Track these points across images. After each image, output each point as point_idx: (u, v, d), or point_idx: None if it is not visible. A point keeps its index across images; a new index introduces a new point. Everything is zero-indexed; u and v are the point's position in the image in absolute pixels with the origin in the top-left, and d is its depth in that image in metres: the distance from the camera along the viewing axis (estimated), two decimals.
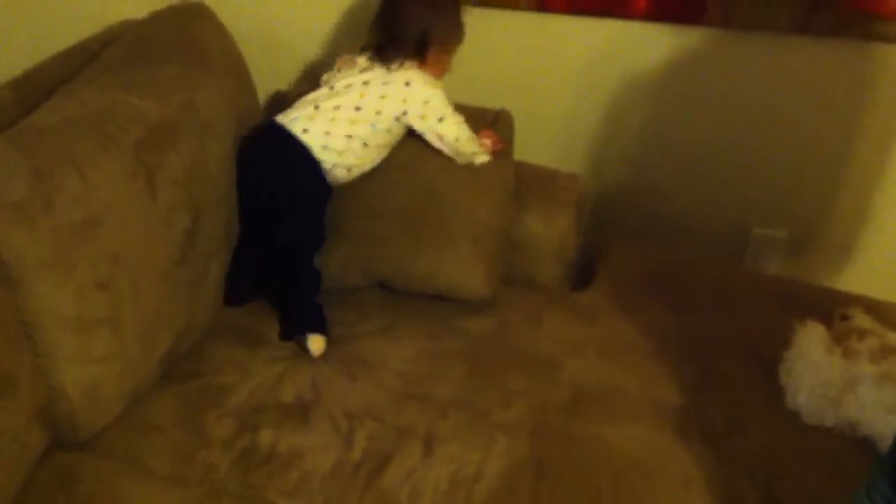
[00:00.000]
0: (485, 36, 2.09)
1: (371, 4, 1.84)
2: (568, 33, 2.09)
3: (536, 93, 2.15)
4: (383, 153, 1.78)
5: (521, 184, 1.90)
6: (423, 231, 1.79)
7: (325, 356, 1.65)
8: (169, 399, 1.51)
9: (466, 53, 2.08)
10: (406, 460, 1.43)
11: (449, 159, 1.79)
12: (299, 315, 1.71)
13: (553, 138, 2.19)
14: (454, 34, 1.79)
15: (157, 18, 1.83)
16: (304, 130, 1.70)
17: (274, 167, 1.73)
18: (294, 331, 1.69)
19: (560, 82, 2.15)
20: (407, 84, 1.73)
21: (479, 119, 1.87)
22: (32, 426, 1.32)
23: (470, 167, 1.80)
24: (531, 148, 2.06)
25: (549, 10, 2.05)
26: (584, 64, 2.12)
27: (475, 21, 2.00)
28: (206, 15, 1.85)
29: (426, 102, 1.73)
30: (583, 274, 1.96)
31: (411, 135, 1.78)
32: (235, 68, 1.85)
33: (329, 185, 1.76)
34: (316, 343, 1.66)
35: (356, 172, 1.76)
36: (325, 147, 1.70)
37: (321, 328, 1.69)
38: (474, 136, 1.79)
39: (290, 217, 1.73)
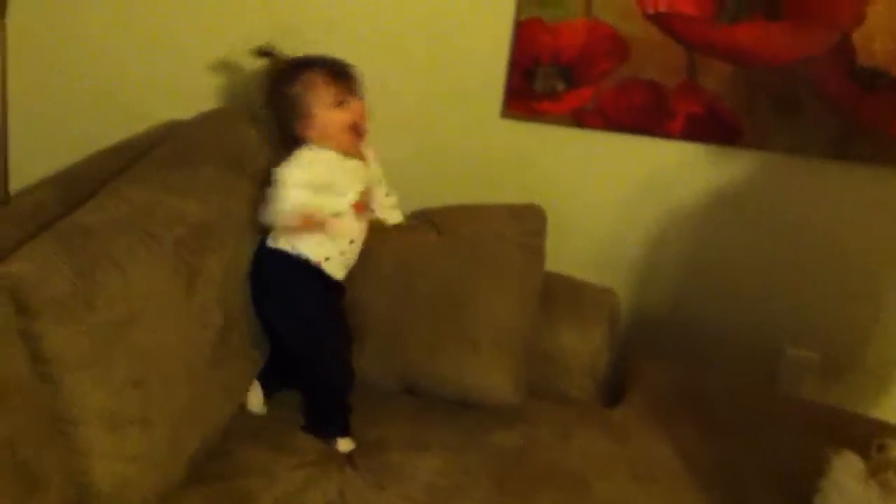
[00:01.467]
0: (520, 147, 2.13)
1: None
2: (604, 149, 2.11)
3: (573, 205, 2.17)
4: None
5: (554, 295, 1.91)
6: (444, 333, 1.80)
7: (352, 462, 1.65)
8: (195, 502, 1.49)
9: (500, 163, 2.13)
10: None
11: (471, 256, 1.82)
12: (321, 420, 1.70)
13: (588, 251, 2.19)
14: (303, 102, 1.74)
15: (201, 121, 1.89)
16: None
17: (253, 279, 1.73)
18: (317, 434, 1.68)
19: (596, 197, 2.17)
20: None
21: (504, 212, 1.91)
22: None
23: (494, 264, 1.82)
24: (567, 259, 2.07)
25: (585, 126, 2.08)
26: (620, 180, 2.15)
27: (511, 131, 2.05)
28: (247, 120, 1.91)
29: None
30: (614, 390, 1.94)
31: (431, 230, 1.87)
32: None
33: (329, 282, 1.76)
34: (343, 444, 1.66)
35: (342, 259, 1.76)
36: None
37: (344, 432, 1.68)
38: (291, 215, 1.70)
39: (287, 327, 1.74)
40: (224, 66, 2.16)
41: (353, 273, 1.81)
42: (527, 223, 1.92)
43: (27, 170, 1.96)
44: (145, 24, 2.17)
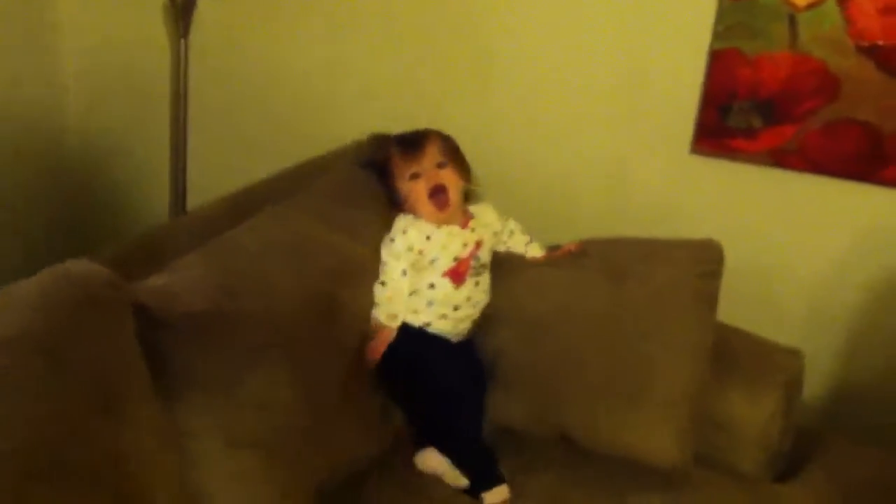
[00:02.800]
0: (709, 185, 1.97)
1: None
2: (808, 194, 1.91)
3: (767, 253, 1.97)
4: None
5: (731, 354, 1.73)
6: (604, 383, 1.68)
7: None
8: None
9: (686, 200, 1.98)
10: None
11: (638, 300, 1.71)
12: (467, 472, 1.63)
13: (782, 304, 1.99)
14: (388, 182, 1.79)
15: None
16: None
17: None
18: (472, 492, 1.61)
19: (796, 245, 1.96)
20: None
21: (678, 250, 1.78)
22: None
23: (664, 311, 1.69)
24: (750, 311, 1.88)
25: (785, 167, 1.89)
26: (828, 229, 1.93)
27: (700, 167, 1.90)
28: None
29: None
30: (790, 465, 1.72)
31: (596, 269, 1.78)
32: None
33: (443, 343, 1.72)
34: (490, 497, 1.59)
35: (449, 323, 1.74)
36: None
37: (493, 480, 1.60)
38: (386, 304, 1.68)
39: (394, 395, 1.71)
40: (408, 89, 2.15)
41: (505, 312, 1.75)
42: (703, 264, 1.76)
43: (206, 187, 2.05)
44: (327, 47, 2.21)
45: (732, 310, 1.78)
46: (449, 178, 1.73)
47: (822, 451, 1.75)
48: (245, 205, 1.68)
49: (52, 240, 2.47)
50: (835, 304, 1.96)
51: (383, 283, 1.68)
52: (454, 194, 1.73)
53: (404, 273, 1.69)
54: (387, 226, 1.74)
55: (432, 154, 1.73)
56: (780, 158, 1.88)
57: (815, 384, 1.94)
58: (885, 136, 1.79)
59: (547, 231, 1.92)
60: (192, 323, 1.33)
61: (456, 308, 1.72)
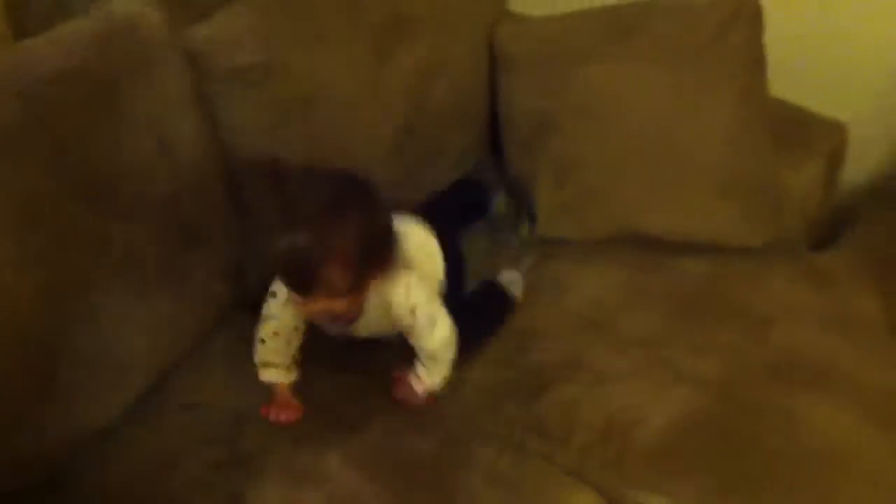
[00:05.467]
0: None
1: None
2: None
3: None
4: None
5: (774, 124, 1.71)
6: (659, 171, 1.62)
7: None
8: None
9: None
10: (568, 388, 1.38)
11: (682, 71, 1.60)
12: None
13: (834, 74, 1.81)
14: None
15: None
16: None
17: None
18: None
19: None
20: None
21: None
22: (219, 281, 1.41)
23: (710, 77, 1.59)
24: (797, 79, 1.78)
25: None
26: None
27: None
28: None
29: None
30: (828, 236, 1.75)
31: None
32: None
33: None
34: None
35: None
36: None
37: None
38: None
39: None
40: None
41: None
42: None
43: None
44: None
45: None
46: (353, 303, 1.27)
47: (860, 225, 1.76)
48: None
49: None
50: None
51: None
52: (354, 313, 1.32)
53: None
54: None
55: (330, 289, 1.20)
56: None
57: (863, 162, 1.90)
58: None
59: None
60: (239, 76, 1.35)
61: None
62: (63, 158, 1.14)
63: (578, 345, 1.45)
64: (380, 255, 1.23)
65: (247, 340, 1.35)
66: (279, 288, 1.31)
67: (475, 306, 1.53)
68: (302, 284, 1.19)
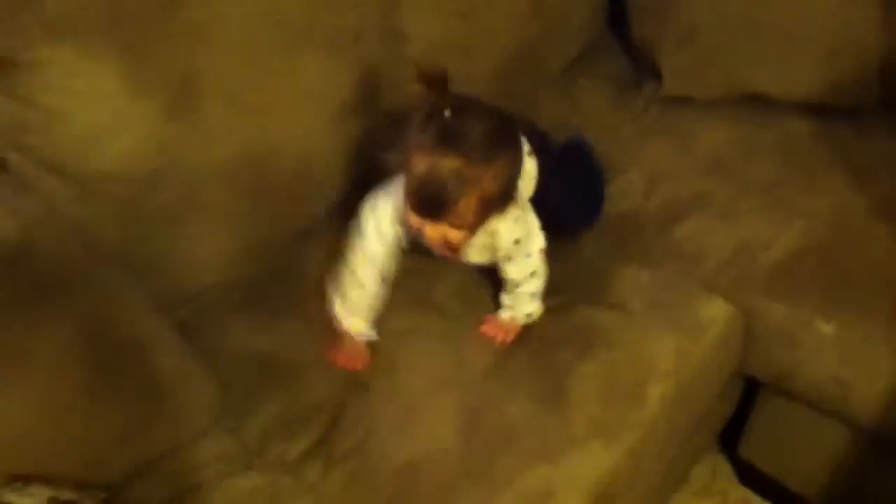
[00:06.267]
0: None
1: None
2: None
3: None
4: None
5: None
6: (778, 36, 1.72)
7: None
8: None
9: None
10: (700, 220, 1.55)
11: None
12: None
13: None
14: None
15: None
16: None
17: None
18: None
19: None
20: None
21: None
22: None
23: None
24: None
25: None
26: None
27: None
28: None
29: None
30: None
31: None
32: None
33: None
34: None
35: None
36: None
37: None
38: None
39: None
40: None
41: None
42: None
43: None
44: None
45: None
46: (467, 236, 1.27)
47: None
48: None
49: None
50: None
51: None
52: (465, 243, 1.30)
53: None
54: None
55: (457, 218, 1.21)
56: None
57: None
58: None
59: None
60: None
61: None
62: None
63: (705, 184, 1.61)
64: (510, 196, 1.26)
65: None
66: (375, 218, 1.32)
67: (574, 193, 1.54)
68: (433, 208, 1.19)
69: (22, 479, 1.08)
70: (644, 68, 1.85)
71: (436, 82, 1.15)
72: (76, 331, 1.14)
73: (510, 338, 1.41)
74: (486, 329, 1.42)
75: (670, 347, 1.37)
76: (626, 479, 1.29)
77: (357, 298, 1.36)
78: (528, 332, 1.41)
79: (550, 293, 1.42)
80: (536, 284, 1.39)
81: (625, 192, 1.62)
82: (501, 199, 1.24)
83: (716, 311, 1.44)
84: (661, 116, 1.78)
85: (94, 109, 1.23)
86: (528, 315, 1.40)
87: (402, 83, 1.46)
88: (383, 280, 1.37)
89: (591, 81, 1.87)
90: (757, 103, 1.78)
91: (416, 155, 1.17)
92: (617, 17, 1.93)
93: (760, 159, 1.68)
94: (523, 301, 1.39)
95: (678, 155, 1.68)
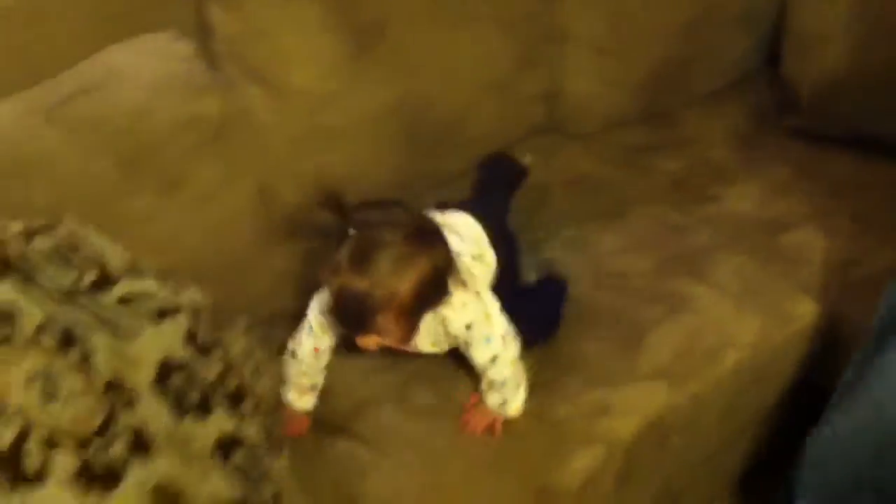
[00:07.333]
0: None
1: None
2: None
3: None
4: None
5: None
6: None
7: None
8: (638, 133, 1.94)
9: None
10: (808, 233, 1.66)
11: None
12: None
13: None
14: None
15: None
16: None
17: None
18: None
19: None
20: None
21: None
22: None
23: None
24: None
25: None
26: None
27: None
28: None
29: None
30: None
31: None
32: None
33: None
34: None
35: None
36: None
37: None
38: None
39: None
40: None
41: None
42: None
43: None
44: None
45: None
46: (398, 341, 1.27)
47: None
48: None
49: None
50: None
51: None
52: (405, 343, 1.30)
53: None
54: None
55: (381, 331, 1.22)
56: None
57: None
58: None
59: None
60: None
61: None
62: None
63: (816, 204, 1.72)
64: (438, 297, 1.23)
65: None
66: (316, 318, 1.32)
67: (533, 295, 1.53)
68: (354, 325, 1.22)
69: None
70: (788, 103, 1.96)
71: (333, 205, 1.21)
72: None
73: (483, 427, 1.33)
74: (466, 419, 1.34)
75: (756, 325, 1.49)
76: (683, 420, 1.39)
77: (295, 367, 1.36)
78: (621, 283, 1.54)
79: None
80: (502, 372, 1.30)
81: (743, 195, 1.76)
82: (427, 303, 1.22)
83: (805, 308, 1.54)
84: (789, 146, 1.89)
85: (293, 34, 1.51)
86: (501, 405, 1.32)
87: (554, 67, 1.74)
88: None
89: (732, 108, 2.01)
90: (871, 142, 1.85)
91: (329, 276, 1.19)
92: (776, 56, 2.04)
93: (870, 192, 1.76)
94: (494, 389, 1.31)
95: (797, 179, 1.80)
